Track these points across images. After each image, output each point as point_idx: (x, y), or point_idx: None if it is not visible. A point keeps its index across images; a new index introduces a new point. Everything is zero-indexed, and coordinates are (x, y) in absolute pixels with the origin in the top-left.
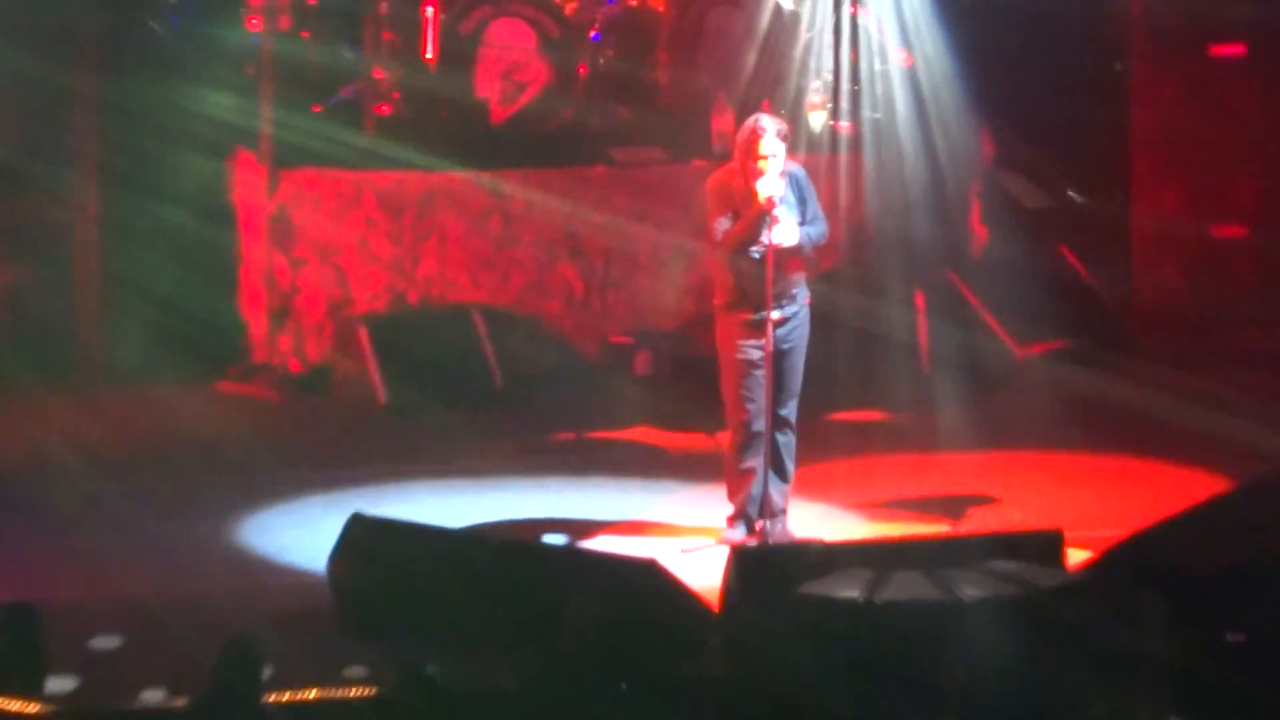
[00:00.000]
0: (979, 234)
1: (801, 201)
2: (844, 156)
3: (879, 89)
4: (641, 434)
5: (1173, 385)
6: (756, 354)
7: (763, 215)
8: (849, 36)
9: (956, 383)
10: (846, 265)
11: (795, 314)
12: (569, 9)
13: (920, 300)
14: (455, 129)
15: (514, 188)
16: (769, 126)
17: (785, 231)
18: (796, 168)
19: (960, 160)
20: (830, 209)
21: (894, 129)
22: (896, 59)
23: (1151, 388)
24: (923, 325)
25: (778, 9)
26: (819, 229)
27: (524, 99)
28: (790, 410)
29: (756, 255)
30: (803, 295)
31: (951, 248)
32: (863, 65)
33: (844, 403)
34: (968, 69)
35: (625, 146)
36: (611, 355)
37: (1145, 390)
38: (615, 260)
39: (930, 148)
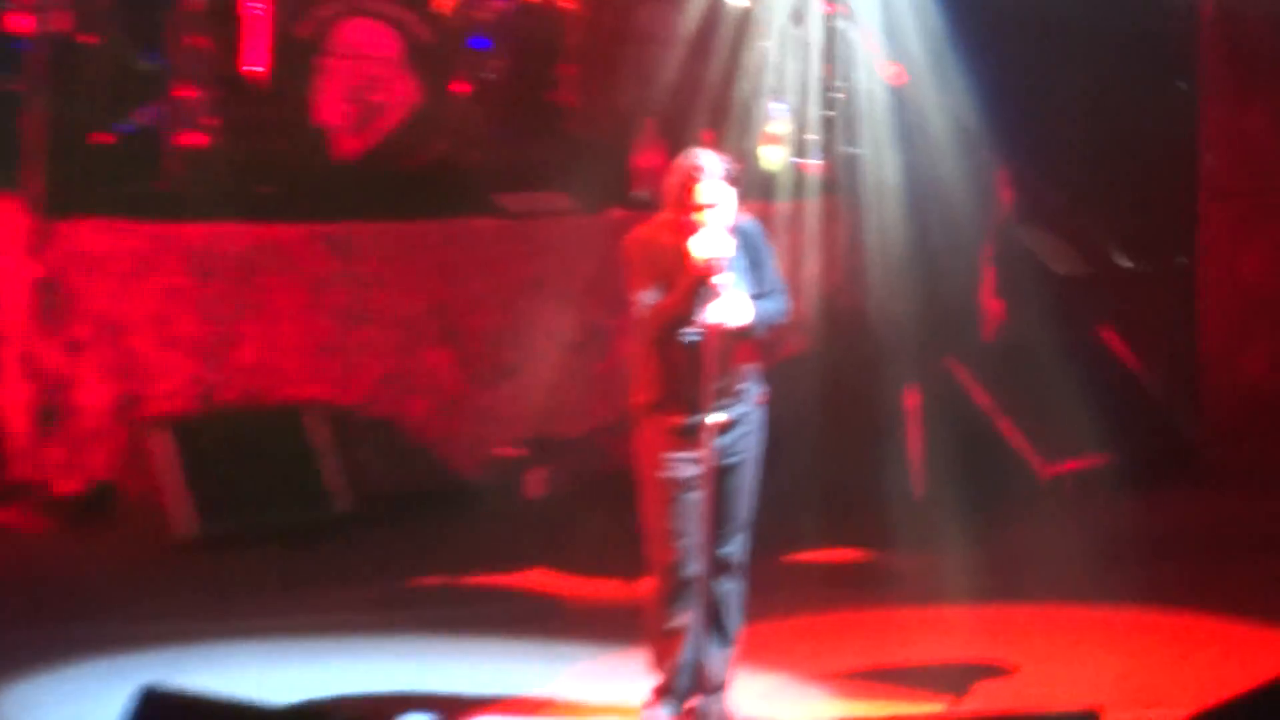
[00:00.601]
0: (992, 310)
1: (754, 266)
2: (813, 205)
3: (861, 115)
4: (535, 579)
5: (1250, 515)
6: (690, 471)
7: (701, 285)
8: (821, 44)
9: (959, 511)
10: (813, 351)
11: (743, 417)
12: (444, 6)
13: (912, 400)
14: (289, 166)
15: (367, 246)
16: (711, 166)
17: (731, 307)
18: (749, 221)
19: (969, 211)
20: (792, 276)
21: (880, 169)
22: (884, 74)
23: (1222, 518)
24: (915, 433)
25: (723, 7)
26: (777, 304)
27: (382, 126)
28: (735, 548)
29: (692, 339)
30: (753, 392)
31: (955, 329)
32: (839, 83)
33: (808, 538)
34: (980, 89)
35: (518, 191)
36: (496, 472)
37: (1213, 522)
38: (501, 344)
39: (929, 194)
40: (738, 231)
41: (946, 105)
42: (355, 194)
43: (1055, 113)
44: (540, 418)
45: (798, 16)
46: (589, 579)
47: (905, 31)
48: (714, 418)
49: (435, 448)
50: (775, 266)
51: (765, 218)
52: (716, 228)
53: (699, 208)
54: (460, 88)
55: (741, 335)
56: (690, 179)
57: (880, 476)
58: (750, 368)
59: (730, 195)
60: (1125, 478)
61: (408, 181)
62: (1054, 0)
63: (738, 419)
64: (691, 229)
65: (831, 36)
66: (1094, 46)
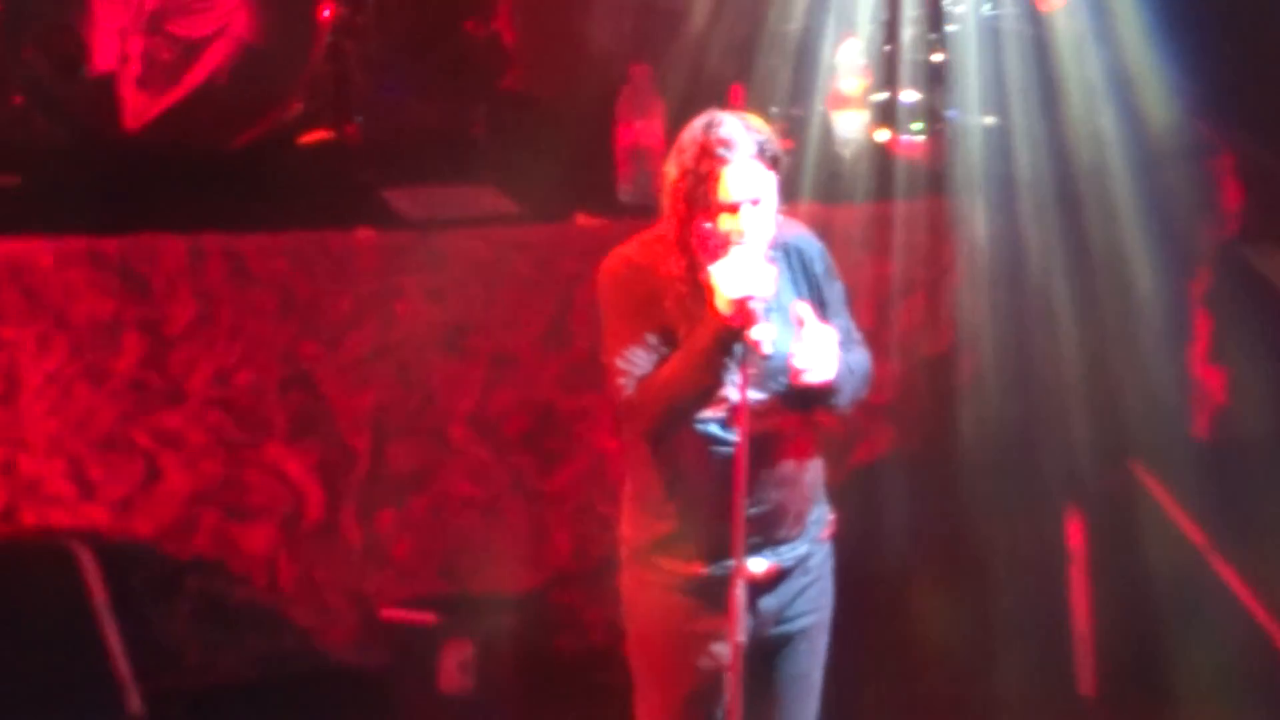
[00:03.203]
0: (1208, 385)
1: (819, 305)
2: (910, 210)
3: (991, 65)
4: None
5: None
6: (718, 653)
7: (730, 340)
8: None
9: (1148, 709)
10: (909, 452)
11: (805, 562)
12: None
13: (1076, 532)
14: (36, 142)
15: (167, 271)
16: (743, 140)
17: (801, 359)
18: (801, 235)
19: (1168, 226)
20: (874, 326)
21: (1022, 153)
22: None
23: None
24: (1080, 584)
25: None
26: (860, 361)
27: (195, 78)
28: None
29: (716, 434)
30: (821, 518)
31: (1145, 416)
32: (955, 9)
33: None
34: (1192, 28)
35: (421, 186)
36: (389, 647)
37: None
38: (395, 437)
39: (1100, 196)
40: (784, 251)
41: (1133, 50)
42: (148, 189)
43: None
44: (461, 562)
45: None
46: None
47: None
48: (758, 565)
49: (286, 608)
50: (844, 305)
51: (829, 229)
52: (754, 242)
53: (726, 208)
54: (324, 16)
55: (811, 411)
56: (710, 158)
57: (1026, 657)
58: (816, 478)
59: (773, 187)
60: None
61: (238, 169)
62: None
63: (795, 564)
64: (713, 246)
65: None
66: None
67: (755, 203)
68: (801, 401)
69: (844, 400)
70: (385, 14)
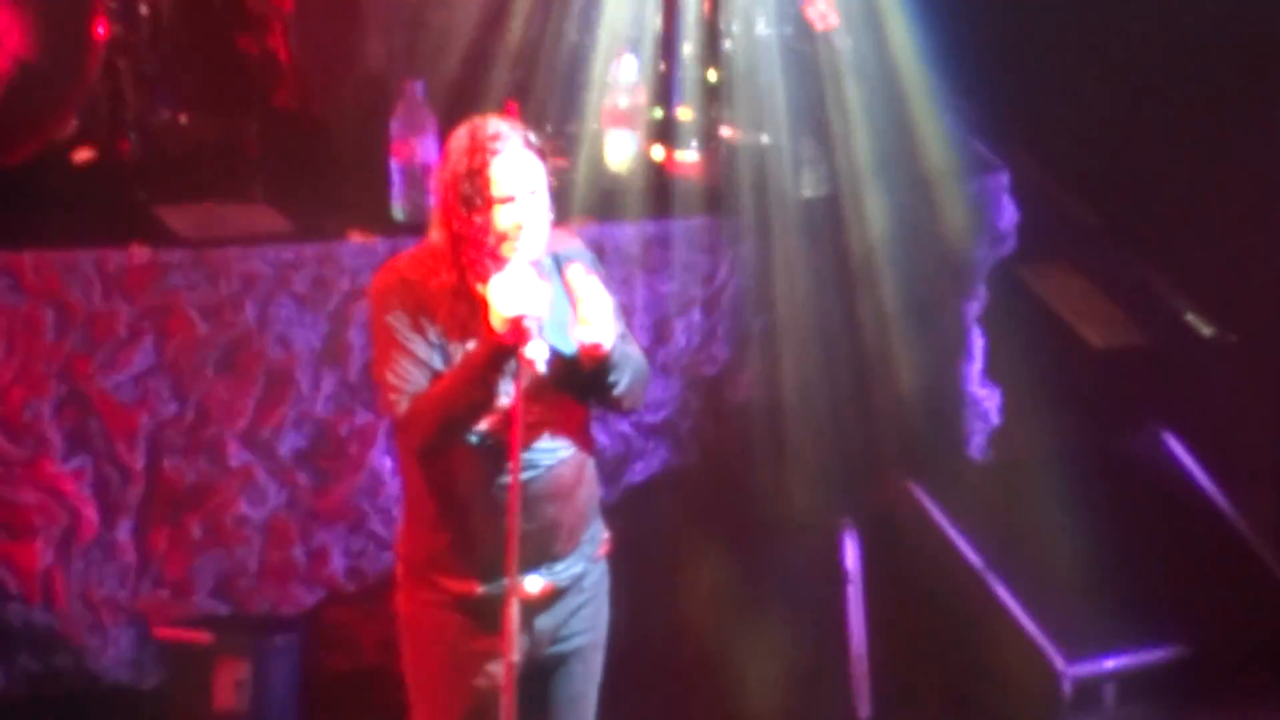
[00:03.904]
0: (982, 406)
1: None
2: (684, 229)
3: (766, 79)
4: None
5: None
6: (494, 671)
7: (504, 357)
8: None
9: None
10: (680, 470)
11: (580, 581)
12: None
13: (850, 546)
14: None
15: None
16: (508, 131)
17: (564, 374)
18: (572, 244)
19: (942, 241)
20: (648, 346)
21: (798, 170)
22: (808, 12)
23: None
24: (855, 602)
25: None
26: (637, 355)
27: None
28: None
29: (492, 447)
30: (596, 536)
31: (919, 434)
32: (731, 25)
33: None
34: (969, 40)
35: (193, 202)
36: (163, 666)
37: None
38: (168, 453)
39: (877, 213)
40: (556, 262)
41: (909, 70)
42: None
43: (1093, 82)
44: (236, 581)
45: None
46: None
47: None
48: (532, 584)
49: (60, 626)
50: (618, 314)
51: (604, 247)
52: (527, 247)
53: (500, 202)
54: (102, 33)
55: (592, 397)
56: (481, 156)
57: (801, 677)
58: (589, 494)
59: (543, 183)
60: (1201, 679)
61: (12, 185)
62: None
63: (571, 583)
64: (488, 254)
65: None
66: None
67: (531, 193)
68: (582, 387)
69: (624, 383)
70: (159, 31)
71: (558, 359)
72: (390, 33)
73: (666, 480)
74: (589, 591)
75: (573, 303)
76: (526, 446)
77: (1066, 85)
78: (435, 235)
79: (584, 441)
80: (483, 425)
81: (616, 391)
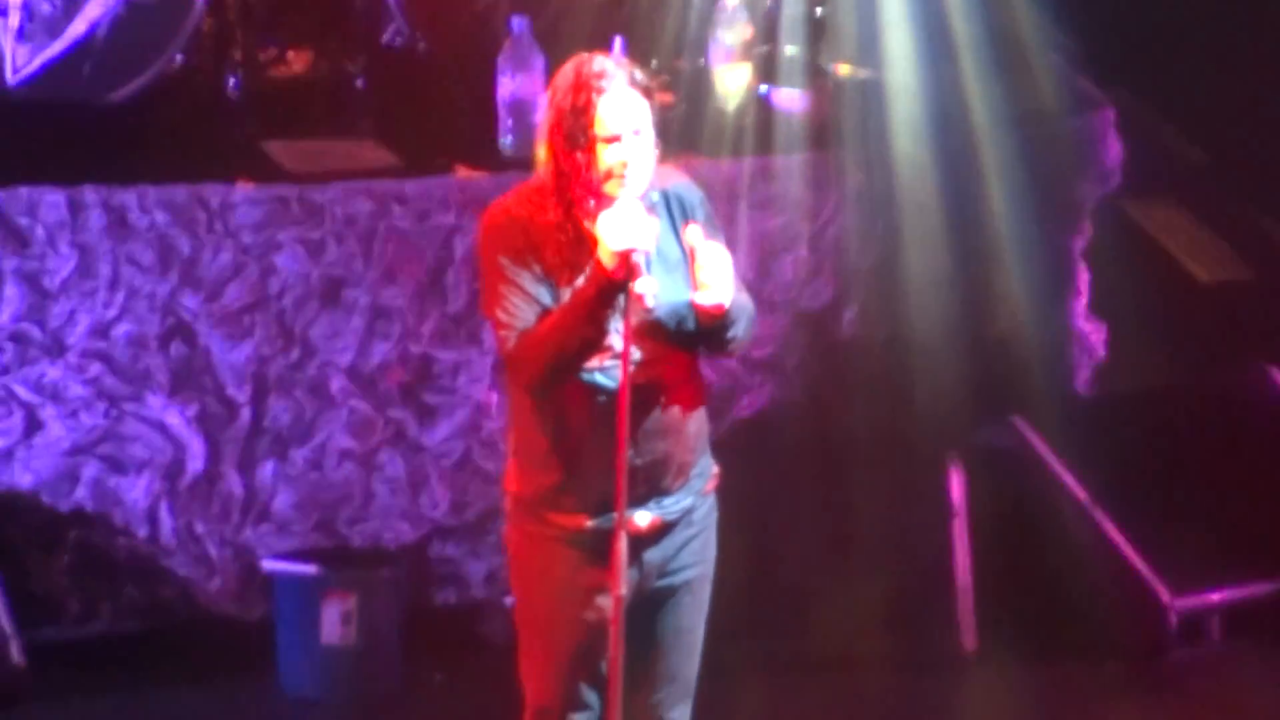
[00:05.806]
0: (1088, 340)
1: (689, 255)
2: (790, 164)
3: (873, 19)
4: None
5: None
6: (603, 604)
7: (613, 292)
8: None
9: (1031, 673)
10: (789, 405)
11: (689, 515)
12: None
13: (956, 481)
14: None
15: (52, 223)
16: (614, 69)
17: (672, 317)
18: (682, 181)
19: (1048, 180)
20: (755, 279)
21: (903, 107)
22: None
23: None
24: (961, 536)
25: None
26: (748, 301)
27: (75, 34)
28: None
29: (602, 384)
30: (705, 471)
31: (1026, 369)
32: None
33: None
34: None
35: (299, 140)
36: (272, 600)
37: None
38: (278, 388)
39: (980, 150)
40: (665, 199)
41: (1015, 6)
42: (29, 141)
43: (1199, 18)
44: (342, 515)
45: None
46: None
47: None
48: (642, 518)
49: (166, 560)
50: (727, 255)
51: (711, 183)
52: (635, 183)
53: (607, 140)
54: None
55: (707, 349)
56: (586, 94)
57: (906, 607)
58: (699, 429)
59: (650, 123)
60: None
61: (118, 121)
62: None
63: (679, 517)
64: (595, 192)
65: None
66: None
67: (636, 133)
68: (699, 339)
69: (739, 333)
70: None
71: (672, 313)
72: None
73: (773, 415)
74: (698, 525)
75: (690, 257)
76: (636, 382)
77: (1172, 21)
78: (541, 172)
79: (693, 376)
80: (594, 362)
81: (731, 347)
